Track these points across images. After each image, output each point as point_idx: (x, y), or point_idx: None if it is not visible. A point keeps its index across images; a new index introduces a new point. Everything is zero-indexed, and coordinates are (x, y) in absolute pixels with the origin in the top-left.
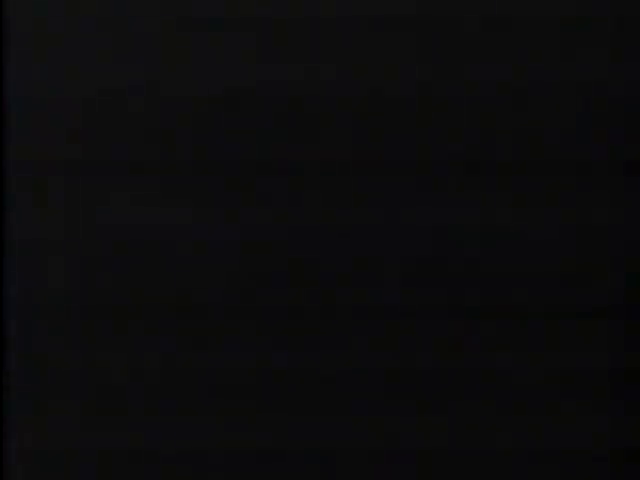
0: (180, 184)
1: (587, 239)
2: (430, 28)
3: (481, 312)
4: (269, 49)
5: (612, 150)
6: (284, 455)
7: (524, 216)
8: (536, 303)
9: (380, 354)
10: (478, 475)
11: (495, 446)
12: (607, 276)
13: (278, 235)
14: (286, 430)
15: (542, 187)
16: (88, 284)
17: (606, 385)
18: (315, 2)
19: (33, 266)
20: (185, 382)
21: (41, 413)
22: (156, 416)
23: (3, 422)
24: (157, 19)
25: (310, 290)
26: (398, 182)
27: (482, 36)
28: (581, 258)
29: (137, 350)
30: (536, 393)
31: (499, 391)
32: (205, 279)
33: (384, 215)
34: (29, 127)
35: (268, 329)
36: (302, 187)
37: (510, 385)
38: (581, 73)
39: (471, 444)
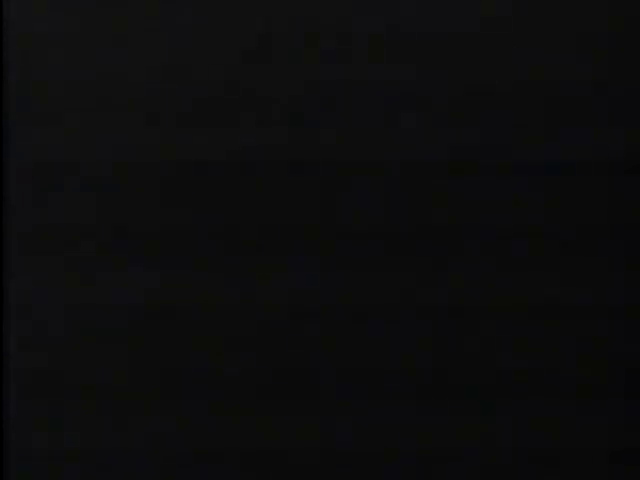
0: (180, 184)
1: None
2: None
3: (482, 312)
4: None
5: (612, 150)
6: (284, 455)
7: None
8: (536, 301)
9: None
10: (477, 475)
11: (495, 446)
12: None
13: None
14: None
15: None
16: (88, 284)
17: (606, 384)
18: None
19: (33, 267)
20: (184, 383)
21: (41, 413)
22: (156, 416)
23: (3, 422)
24: (157, 19)
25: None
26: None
27: (481, 37)
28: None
29: (137, 350)
30: (536, 393)
31: (499, 391)
32: (204, 276)
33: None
34: (29, 127)
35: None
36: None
37: (510, 386)
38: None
39: (470, 445)
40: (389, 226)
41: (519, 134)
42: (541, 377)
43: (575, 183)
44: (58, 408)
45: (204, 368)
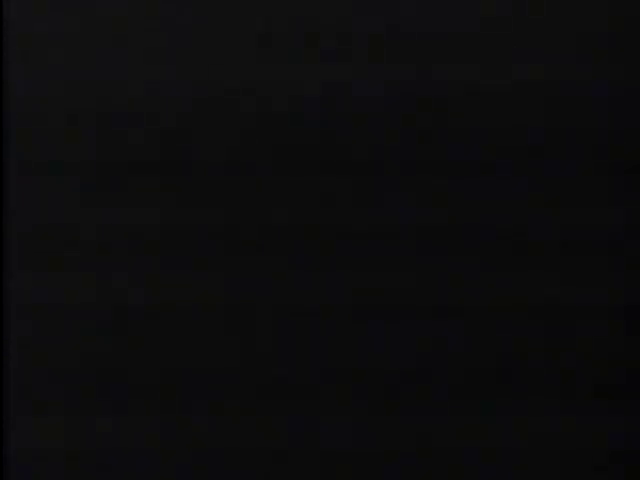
0: (180, 184)
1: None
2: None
3: (482, 312)
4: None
5: (612, 150)
6: (284, 455)
7: (525, 215)
8: (536, 301)
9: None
10: (477, 475)
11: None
12: (607, 276)
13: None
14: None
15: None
16: (88, 284)
17: (607, 384)
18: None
19: (33, 267)
20: (184, 382)
21: (41, 413)
22: (156, 416)
23: (3, 422)
24: (157, 19)
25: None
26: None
27: (480, 36)
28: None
29: (137, 350)
30: (536, 392)
31: (499, 393)
32: (204, 276)
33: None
34: (29, 127)
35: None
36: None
37: (510, 385)
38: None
39: (470, 443)
40: (389, 226)
41: (519, 134)
42: (541, 377)
43: (575, 183)
44: (58, 408)
45: (204, 368)
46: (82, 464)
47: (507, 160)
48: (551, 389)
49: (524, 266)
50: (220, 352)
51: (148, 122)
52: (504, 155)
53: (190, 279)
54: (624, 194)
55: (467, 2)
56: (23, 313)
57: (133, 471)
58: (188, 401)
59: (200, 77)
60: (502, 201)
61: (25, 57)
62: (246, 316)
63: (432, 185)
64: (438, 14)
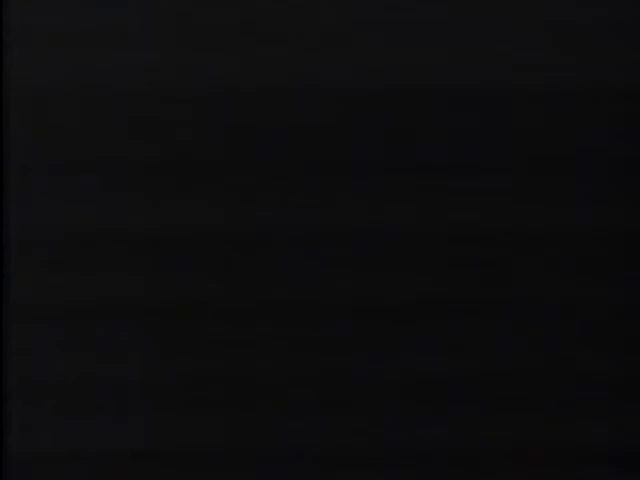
0: (180, 184)
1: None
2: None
3: (483, 311)
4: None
5: (612, 149)
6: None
7: (524, 216)
8: (536, 302)
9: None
10: (477, 475)
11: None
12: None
13: (279, 233)
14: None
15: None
16: (88, 284)
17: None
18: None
19: (33, 267)
20: (184, 382)
21: (41, 413)
22: (156, 416)
23: (3, 422)
24: (157, 19)
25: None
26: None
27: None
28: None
29: (137, 351)
30: (536, 392)
31: (500, 392)
32: (209, 277)
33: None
34: (29, 127)
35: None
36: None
37: (510, 385)
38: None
39: (471, 443)
40: (389, 226)
41: (519, 134)
42: (541, 377)
43: (575, 183)
44: (58, 409)
45: (204, 368)
46: (82, 464)
47: (507, 160)
48: (551, 389)
49: (523, 266)
50: (220, 352)
51: (148, 122)
52: (504, 155)
53: (190, 279)
54: (624, 194)
55: (467, 2)
56: (23, 313)
57: (133, 471)
58: (188, 401)
59: (200, 77)
60: (502, 201)
61: (25, 57)
62: (246, 316)
63: (432, 185)
64: (438, 14)
